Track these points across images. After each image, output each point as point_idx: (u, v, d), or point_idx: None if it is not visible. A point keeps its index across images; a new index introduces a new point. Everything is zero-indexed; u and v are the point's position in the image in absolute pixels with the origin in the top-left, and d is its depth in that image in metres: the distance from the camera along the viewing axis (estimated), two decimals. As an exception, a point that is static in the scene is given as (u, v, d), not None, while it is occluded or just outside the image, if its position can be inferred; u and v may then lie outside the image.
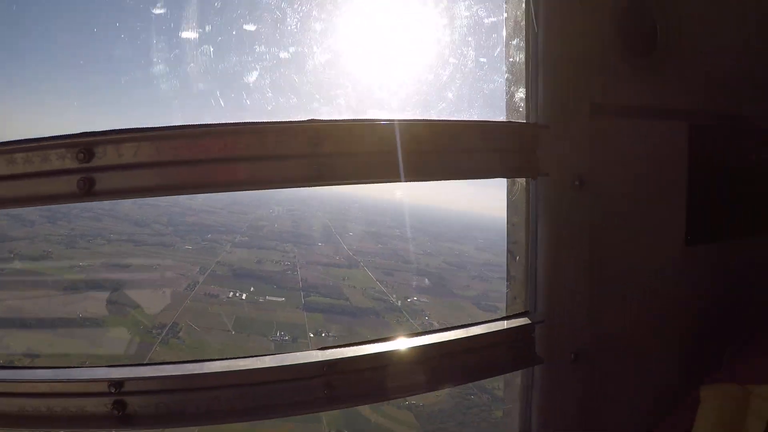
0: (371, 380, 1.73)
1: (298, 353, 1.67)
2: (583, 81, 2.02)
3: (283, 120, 1.43)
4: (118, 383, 1.51)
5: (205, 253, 18.81)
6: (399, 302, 19.36)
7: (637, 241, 2.17)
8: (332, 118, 1.46)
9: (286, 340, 16.63)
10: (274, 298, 17.94)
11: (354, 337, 17.15)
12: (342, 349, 1.70)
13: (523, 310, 1.99)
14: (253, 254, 19.23)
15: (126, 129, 1.44)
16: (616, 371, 2.12)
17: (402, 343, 1.76)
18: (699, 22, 2.26)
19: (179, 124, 1.43)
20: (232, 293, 17.64)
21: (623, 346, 2.14)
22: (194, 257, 18.39)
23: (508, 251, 2.06)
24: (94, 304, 15.84)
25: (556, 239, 1.96)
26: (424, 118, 1.64)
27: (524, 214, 1.96)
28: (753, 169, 2.57)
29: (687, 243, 2.30)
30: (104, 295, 16.24)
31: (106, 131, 1.44)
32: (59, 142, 1.42)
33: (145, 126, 1.44)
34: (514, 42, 1.99)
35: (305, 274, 19.17)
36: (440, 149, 1.66)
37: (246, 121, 1.43)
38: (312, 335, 17.12)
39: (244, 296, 17.69)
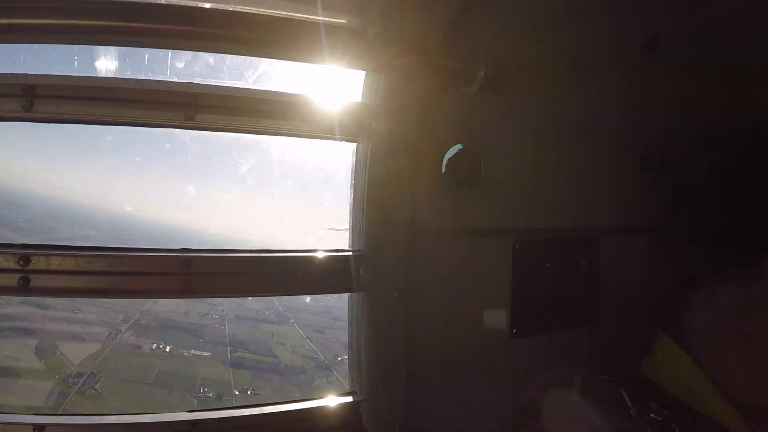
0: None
1: (169, 413, 2.20)
2: (404, 213, 2.39)
3: (162, 248, 2.05)
4: (40, 427, 1.99)
5: (130, 301, 17.89)
6: (329, 361, 18.96)
7: (458, 335, 2.60)
8: (202, 247, 2.09)
9: (210, 397, 15.80)
10: (199, 353, 17.18)
11: (282, 396, 16.59)
12: (206, 412, 2.23)
13: (351, 390, 2.53)
14: (180, 305, 18.49)
15: (55, 245, 2.01)
16: None
17: (251, 410, 2.30)
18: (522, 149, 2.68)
19: (91, 245, 2.03)
20: (155, 345, 16.76)
21: (445, 420, 2.59)
22: (118, 305, 17.47)
23: (348, 342, 2.61)
24: (9, 346, 14.74)
25: (375, 339, 2.44)
26: (277, 248, 2.25)
27: (351, 318, 2.51)
28: (568, 273, 3.01)
29: (512, 336, 2.73)
30: (21, 338, 15.15)
31: (40, 245, 2.00)
32: (5, 250, 1.95)
33: (69, 245, 2.02)
34: (353, 183, 2.49)
35: (233, 329, 18.54)
36: (285, 272, 2.23)
37: (133, 246, 2.04)
38: (237, 392, 16.38)
39: (168, 348, 16.91)
